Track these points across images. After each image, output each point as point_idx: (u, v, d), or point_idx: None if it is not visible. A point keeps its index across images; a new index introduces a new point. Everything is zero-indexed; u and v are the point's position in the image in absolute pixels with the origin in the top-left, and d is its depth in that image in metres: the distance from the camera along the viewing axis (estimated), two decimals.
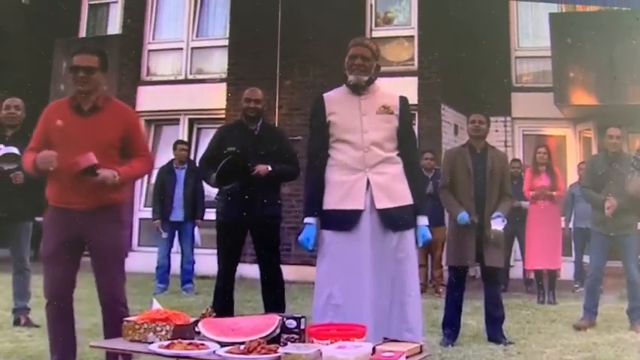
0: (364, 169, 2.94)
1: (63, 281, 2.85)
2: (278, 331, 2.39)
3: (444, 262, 6.48)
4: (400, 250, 2.94)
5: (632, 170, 4.61)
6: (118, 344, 2.49)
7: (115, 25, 10.53)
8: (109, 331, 2.72)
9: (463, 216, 4.17)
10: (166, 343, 2.35)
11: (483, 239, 4.19)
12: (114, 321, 2.60)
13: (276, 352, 2.21)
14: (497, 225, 4.14)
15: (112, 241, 2.96)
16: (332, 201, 3.00)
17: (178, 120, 9.61)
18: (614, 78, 7.61)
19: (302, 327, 2.40)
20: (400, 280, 2.93)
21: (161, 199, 6.74)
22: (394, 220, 2.93)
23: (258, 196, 4.03)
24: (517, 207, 6.40)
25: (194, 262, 6.81)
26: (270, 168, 4.01)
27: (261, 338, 2.32)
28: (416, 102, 7.61)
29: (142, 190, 9.53)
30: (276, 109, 8.63)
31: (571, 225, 6.92)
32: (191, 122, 9.62)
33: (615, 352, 3.90)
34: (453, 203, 4.26)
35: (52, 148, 2.84)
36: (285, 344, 2.32)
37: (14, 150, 4.26)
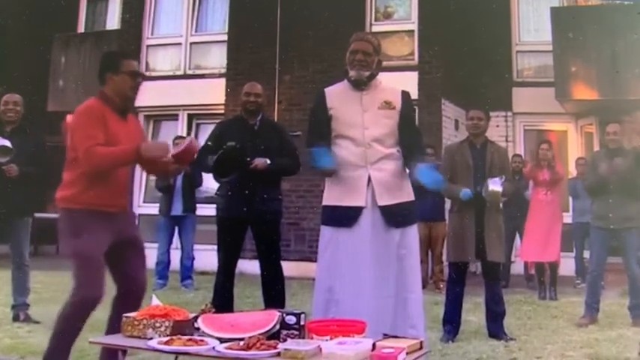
0: (365, 165, 2.91)
1: (104, 285, 2.82)
2: (278, 327, 2.37)
3: (444, 258, 6.47)
4: (402, 247, 2.92)
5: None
6: (118, 340, 2.47)
7: (113, 21, 10.50)
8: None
9: (466, 192, 4.13)
10: (166, 339, 2.33)
11: (484, 235, 4.17)
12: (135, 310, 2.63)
13: (275, 348, 2.20)
14: (495, 185, 4.08)
15: (140, 236, 3.09)
16: (333, 197, 2.98)
17: (177, 115, 9.59)
18: (616, 72, 7.58)
19: (302, 323, 2.38)
20: (403, 277, 2.91)
21: (164, 186, 6.72)
22: (396, 216, 2.91)
23: (258, 192, 4.00)
24: (519, 201, 6.41)
25: (194, 258, 6.81)
26: (268, 162, 3.98)
27: (260, 334, 2.30)
28: (416, 97, 7.58)
29: (140, 186, 9.52)
30: (276, 105, 8.60)
31: (570, 220, 6.92)
32: (190, 118, 9.59)
33: (617, 349, 3.88)
34: (453, 187, 4.23)
35: None
36: (285, 340, 2.30)
37: (6, 143, 4.23)
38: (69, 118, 3.13)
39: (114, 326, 2.80)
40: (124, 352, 2.74)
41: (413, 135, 3.07)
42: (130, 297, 2.87)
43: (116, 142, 2.79)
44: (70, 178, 2.83)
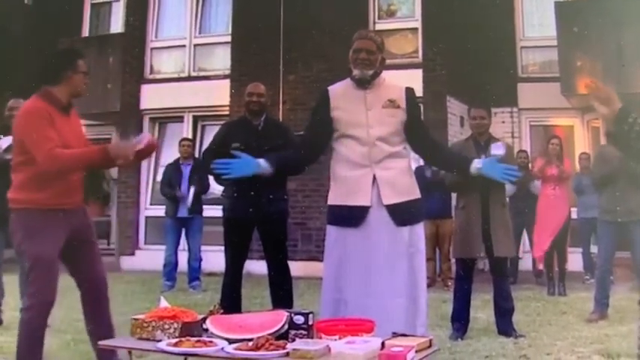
0: (370, 164, 2.90)
1: (56, 285, 2.85)
2: (286, 327, 2.37)
3: (451, 255, 6.45)
4: (411, 245, 2.91)
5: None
6: (126, 342, 2.48)
7: (117, 24, 10.52)
8: (107, 323, 2.78)
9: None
10: (174, 340, 2.33)
11: (491, 230, 4.16)
12: (106, 307, 2.66)
13: (284, 348, 2.19)
14: (498, 149, 4.04)
15: (93, 230, 3.10)
16: (338, 197, 2.97)
17: (182, 117, 9.60)
18: (622, 66, 7.52)
19: (310, 323, 2.37)
20: (413, 276, 2.91)
21: (169, 194, 6.75)
22: (402, 214, 2.90)
23: (264, 192, 3.99)
24: (525, 196, 6.38)
25: (201, 260, 6.82)
26: None
27: (269, 334, 2.30)
28: (421, 94, 7.55)
29: (147, 188, 9.54)
30: (280, 105, 8.60)
31: (575, 215, 6.87)
32: (195, 119, 9.60)
33: (628, 344, 3.83)
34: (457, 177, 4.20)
35: None
36: (294, 340, 2.30)
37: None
38: None
39: (93, 326, 2.89)
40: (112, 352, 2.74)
41: (420, 133, 3.05)
42: (95, 296, 2.93)
43: (62, 140, 2.80)
44: (21, 180, 2.85)
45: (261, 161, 2.97)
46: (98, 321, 2.85)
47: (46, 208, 2.80)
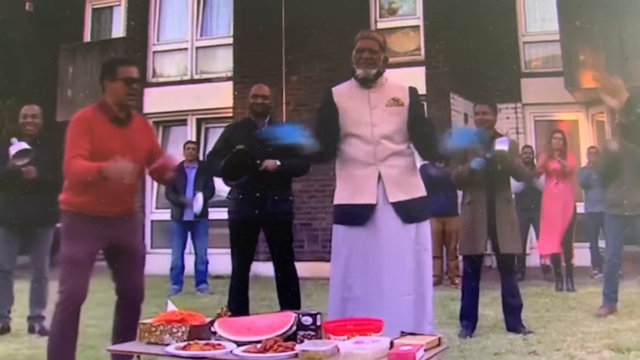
0: (375, 162, 2.91)
1: (87, 284, 2.87)
2: (294, 328, 2.36)
3: (458, 253, 6.42)
4: (417, 243, 2.91)
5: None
6: (134, 347, 2.48)
7: (119, 28, 10.55)
8: (132, 332, 2.77)
9: (476, 161, 4.07)
10: (183, 344, 2.34)
11: (497, 227, 4.13)
12: (136, 318, 2.71)
13: (292, 349, 2.19)
14: (501, 144, 4.02)
15: (141, 244, 3.17)
16: (344, 196, 2.97)
17: (186, 120, 9.61)
18: (626, 59, 7.48)
19: (318, 323, 2.37)
20: (420, 273, 2.90)
21: (174, 200, 6.76)
22: (408, 212, 2.90)
23: (269, 194, 3.99)
24: (531, 192, 6.35)
25: (208, 262, 6.81)
26: (278, 163, 3.97)
27: (277, 336, 2.30)
28: (424, 92, 7.54)
29: (152, 192, 9.55)
30: (284, 106, 8.59)
31: (582, 210, 6.83)
32: (199, 122, 9.61)
33: (637, 338, 3.82)
34: (462, 167, 4.17)
35: (93, 160, 2.80)
36: (302, 341, 2.30)
37: (25, 145, 4.26)
38: None
39: (118, 333, 2.89)
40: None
41: (426, 128, 3.04)
42: (127, 305, 2.95)
43: (107, 150, 2.79)
44: (68, 182, 2.91)
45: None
46: (126, 330, 2.83)
47: (86, 213, 2.83)
